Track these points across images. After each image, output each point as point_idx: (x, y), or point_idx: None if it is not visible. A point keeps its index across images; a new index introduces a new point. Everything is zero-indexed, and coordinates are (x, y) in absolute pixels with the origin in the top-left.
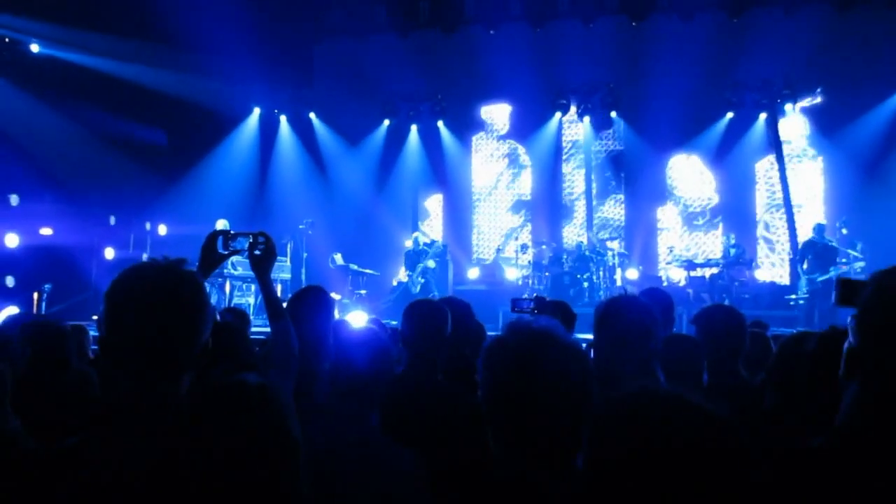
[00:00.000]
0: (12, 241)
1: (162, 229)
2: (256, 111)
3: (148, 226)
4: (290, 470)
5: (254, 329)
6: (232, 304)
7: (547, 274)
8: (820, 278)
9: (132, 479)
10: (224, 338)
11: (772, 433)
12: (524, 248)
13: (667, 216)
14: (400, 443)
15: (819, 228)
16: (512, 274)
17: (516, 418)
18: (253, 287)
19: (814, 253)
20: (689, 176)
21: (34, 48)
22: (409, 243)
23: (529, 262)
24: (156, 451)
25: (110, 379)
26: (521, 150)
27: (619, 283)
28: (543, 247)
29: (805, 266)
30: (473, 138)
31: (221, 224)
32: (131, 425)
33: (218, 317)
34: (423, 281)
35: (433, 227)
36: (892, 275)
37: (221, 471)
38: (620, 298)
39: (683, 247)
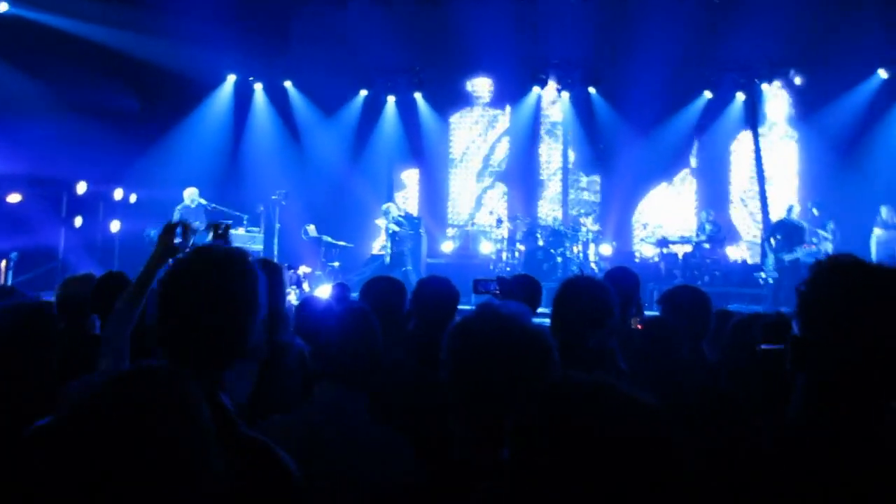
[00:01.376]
0: None
1: (133, 197)
2: (231, 78)
3: (119, 193)
4: (194, 465)
5: None
6: None
7: (521, 248)
8: (786, 257)
9: None
10: None
11: (727, 415)
12: (499, 222)
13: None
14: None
15: (789, 209)
16: (486, 247)
17: (477, 402)
18: None
19: (783, 232)
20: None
21: (2, 7)
22: (380, 221)
23: (503, 236)
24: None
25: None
26: (498, 121)
27: (592, 258)
28: (518, 220)
29: (773, 244)
30: (451, 110)
31: (189, 193)
32: None
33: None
34: (391, 251)
35: (409, 200)
36: (832, 266)
37: (111, 463)
38: (577, 279)
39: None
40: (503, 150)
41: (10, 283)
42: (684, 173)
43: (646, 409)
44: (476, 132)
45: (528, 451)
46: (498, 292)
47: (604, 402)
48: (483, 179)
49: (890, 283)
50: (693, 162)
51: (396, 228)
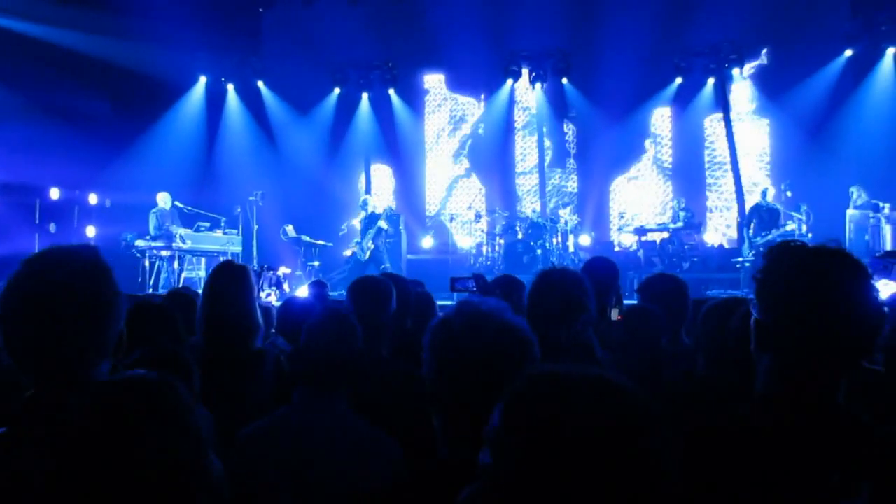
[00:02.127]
0: None
1: (107, 201)
2: (203, 79)
3: (93, 198)
4: (191, 470)
5: None
6: (181, 279)
7: (500, 241)
8: (761, 241)
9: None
10: (144, 323)
11: (704, 399)
12: (478, 216)
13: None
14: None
15: (763, 192)
16: (465, 242)
17: (459, 399)
18: (203, 260)
19: (758, 216)
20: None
21: None
22: (356, 222)
23: (483, 230)
24: (55, 454)
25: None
26: (473, 115)
27: (571, 249)
28: (497, 214)
29: (751, 230)
30: (426, 104)
31: (161, 197)
32: (32, 428)
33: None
34: (372, 247)
35: (386, 195)
36: (781, 251)
37: (113, 473)
38: (550, 272)
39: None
40: (479, 142)
41: None
42: (658, 160)
43: (627, 395)
44: (451, 124)
45: (508, 448)
46: (475, 289)
47: (582, 391)
48: (459, 171)
49: (832, 263)
50: (667, 148)
51: (385, 226)
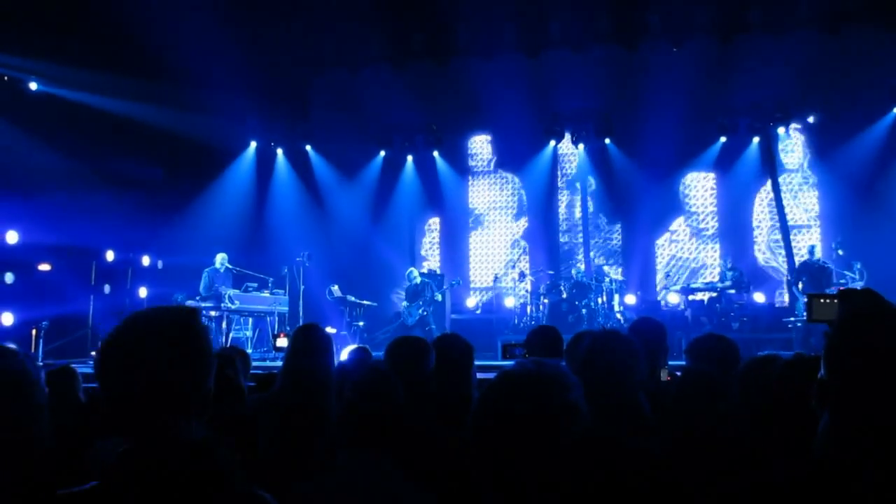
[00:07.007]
0: (8, 277)
1: (160, 263)
2: (253, 145)
3: (146, 260)
4: None
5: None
6: (230, 339)
7: (545, 301)
8: None
9: None
10: None
11: (754, 460)
12: (522, 276)
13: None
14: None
15: (811, 250)
16: (510, 302)
17: (504, 469)
18: (250, 321)
19: (808, 274)
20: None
21: (32, 86)
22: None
23: (527, 290)
24: None
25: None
26: (516, 179)
27: (617, 308)
28: (541, 273)
29: (801, 287)
30: (470, 167)
31: (220, 258)
32: (125, 483)
33: None
34: (424, 313)
35: (430, 258)
36: (858, 311)
37: None
38: (602, 336)
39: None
40: (523, 203)
41: (40, 351)
42: (706, 220)
43: (654, 460)
44: (494, 186)
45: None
46: (526, 355)
47: (615, 456)
48: (504, 234)
49: None
50: (713, 207)
51: (439, 298)
